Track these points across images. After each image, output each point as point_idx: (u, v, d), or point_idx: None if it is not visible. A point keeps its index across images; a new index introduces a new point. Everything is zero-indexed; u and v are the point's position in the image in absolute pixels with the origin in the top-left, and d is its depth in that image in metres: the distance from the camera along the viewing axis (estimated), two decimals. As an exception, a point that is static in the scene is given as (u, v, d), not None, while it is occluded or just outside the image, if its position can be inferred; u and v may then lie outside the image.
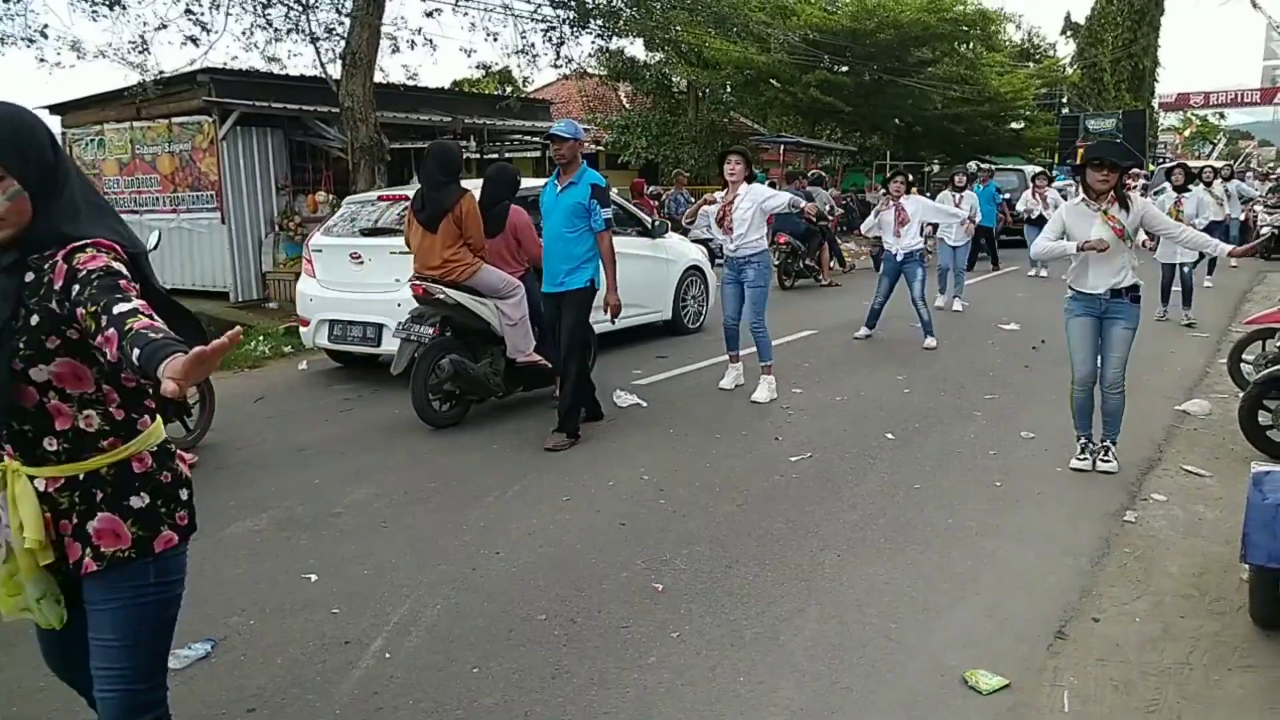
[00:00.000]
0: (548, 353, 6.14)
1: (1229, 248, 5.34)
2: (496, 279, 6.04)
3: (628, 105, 24.87)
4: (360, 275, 7.35)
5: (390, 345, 6.70)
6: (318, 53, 12.27)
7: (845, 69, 23.26)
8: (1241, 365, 6.82)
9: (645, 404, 6.75)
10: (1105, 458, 5.14)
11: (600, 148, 22.37)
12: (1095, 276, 4.92)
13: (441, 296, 5.87)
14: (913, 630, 3.38)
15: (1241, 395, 5.68)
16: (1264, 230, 16.26)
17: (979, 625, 3.43)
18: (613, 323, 5.80)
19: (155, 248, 5.78)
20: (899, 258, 8.85)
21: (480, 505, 4.68)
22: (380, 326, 7.09)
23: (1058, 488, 4.91)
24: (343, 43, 11.70)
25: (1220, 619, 3.47)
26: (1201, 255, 9.70)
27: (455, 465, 5.35)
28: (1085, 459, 5.18)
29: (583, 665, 3.16)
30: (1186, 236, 5.31)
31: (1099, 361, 5.02)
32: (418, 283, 5.96)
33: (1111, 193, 4.87)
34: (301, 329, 7.98)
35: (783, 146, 23.21)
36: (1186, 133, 46.34)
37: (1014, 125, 31.21)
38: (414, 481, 5.05)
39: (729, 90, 23.50)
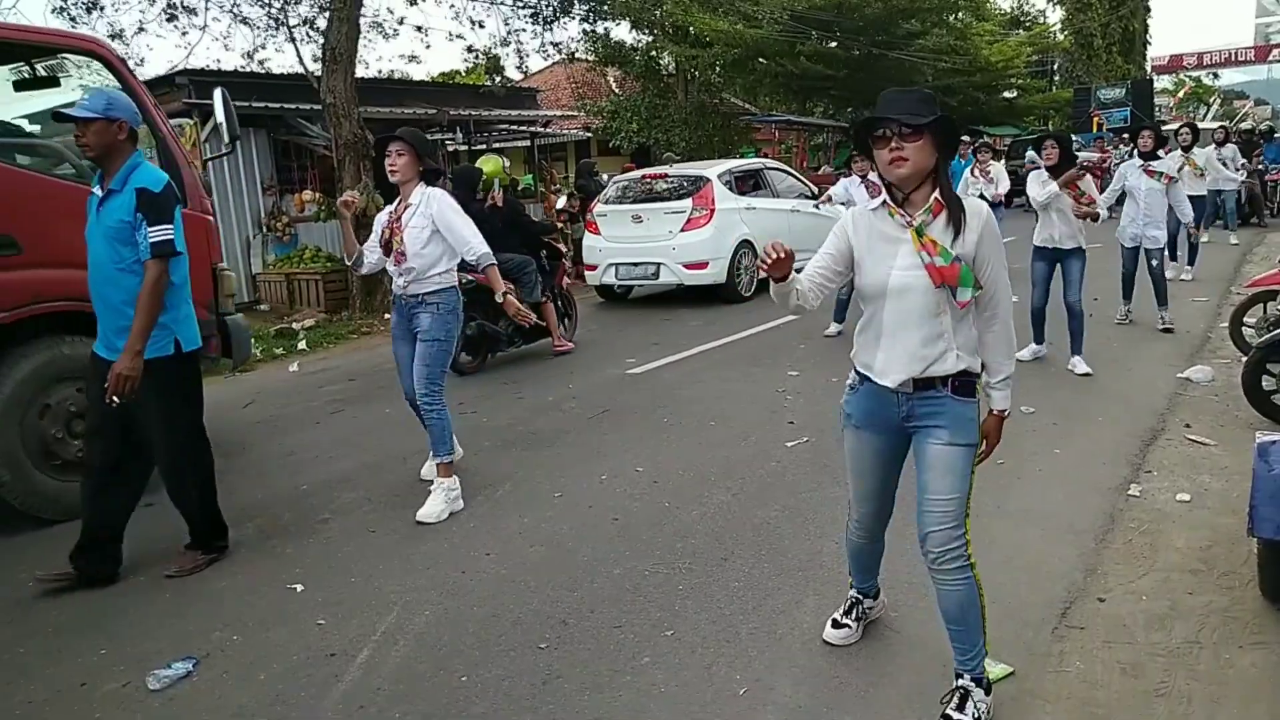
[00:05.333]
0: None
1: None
2: None
3: (617, 90, 24.64)
4: (640, 230, 10.50)
5: (666, 278, 10.32)
6: (297, 50, 12.14)
7: (834, 44, 23.04)
8: (1243, 329, 6.71)
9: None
10: (956, 711, 2.63)
11: (590, 133, 22.21)
12: (889, 350, 2.61)
13: None
14: (913, 619, 3.29)
15: (1244, 360, 5.57)
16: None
17: (981, 611, 3.33)
18: (112, 401, 3.55)
19: None
20: None
21: (470, 505, 4.59)
22: (659, 265, 10.34)
23: (1059, 464, 4.81)
24: (322, 40, 11.55)
25: (1229, 594, 3.38)
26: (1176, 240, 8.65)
27: (445, 464, 5.25)
28: (847, 628, 3.15)
29: (575, 669, 3.07)
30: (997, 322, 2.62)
31: (918, 503, 2.66)
32: None
33: (936, 193, 2.54)
34: (587, 273, 11.06)
35: (774, 125, 23.03)
36: (1181, 95, 45.99)
37: (1006, 94, 31.04)
38: (403, 484, 4.95)
39: (718, 70, 23.30)
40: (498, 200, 7.82)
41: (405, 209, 4.49)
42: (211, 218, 5.44)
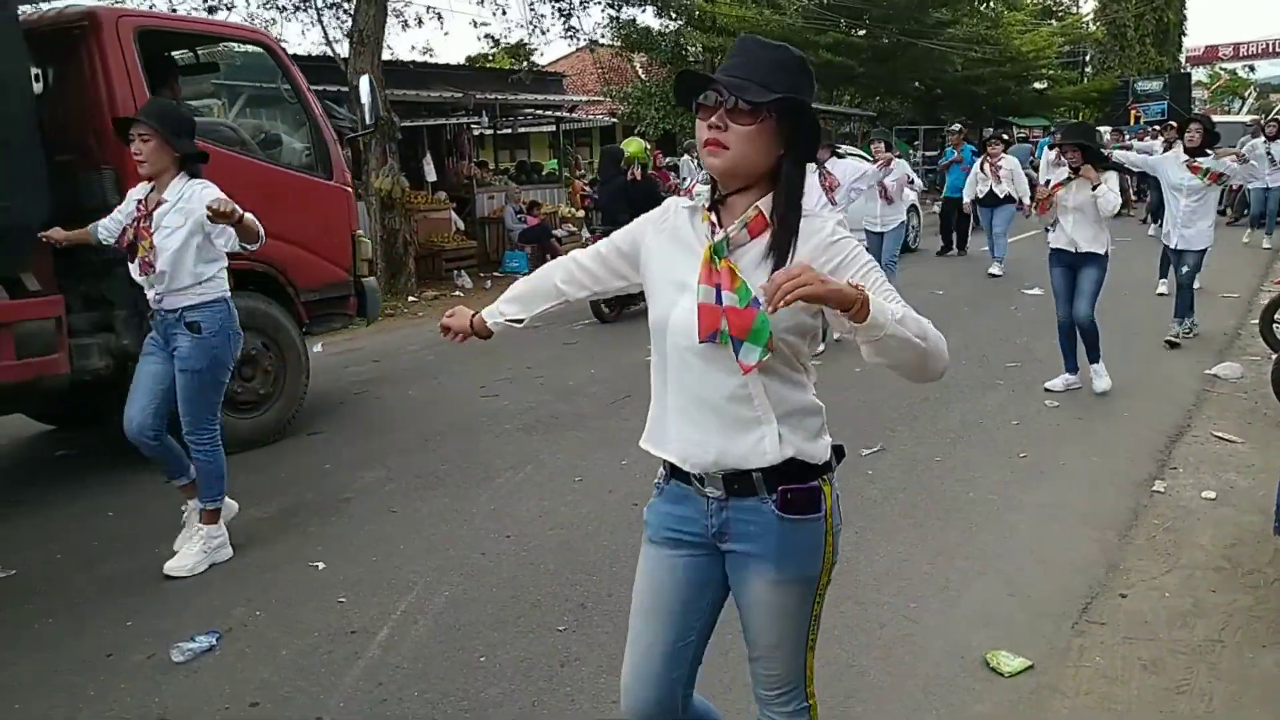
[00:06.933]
0: None
1: None
2: None
3: (643, 76, 24.58)
4: None
5: None
6: (325, 32, 12.19)
7: (862, 32, 22.86)
8: (1274, 326, 6.62)
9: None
10: None
11: (616, 119, 22.17)
12: (677, 422, 1.74)
13: None
14: (932, 610, 3.28)
15: (1274, 358, 5.50)
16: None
17: (1001, 604, 3.32)
18: None
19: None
20: (880, 229, 8.19)
21: (490, 488, 4.62)
22: None
23: (1083, 458, 4.77)
24: (349, 20, 11.59)
25: (1253, 593, 3.34)
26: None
27: (467, 447, 5.28)
28: None
29: (592, 652, 3.09)
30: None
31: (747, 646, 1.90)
32: None
33: (763, 203, 1.66)
34: None
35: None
36: (1215, 88, 45.26)
37: (1037, 85, 30.67)
38: (425, 465, 4.99)
39: (744, 57, 23.19)
40: (637, 175, 9.01)
41: (158, 205, 3.65)
42: (350, 190, 6.03)
